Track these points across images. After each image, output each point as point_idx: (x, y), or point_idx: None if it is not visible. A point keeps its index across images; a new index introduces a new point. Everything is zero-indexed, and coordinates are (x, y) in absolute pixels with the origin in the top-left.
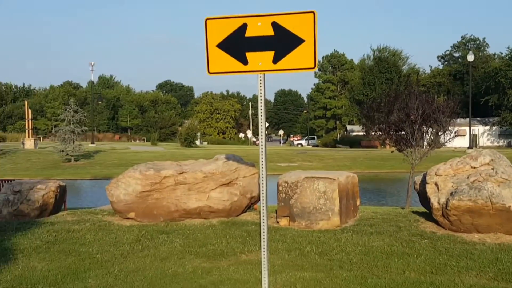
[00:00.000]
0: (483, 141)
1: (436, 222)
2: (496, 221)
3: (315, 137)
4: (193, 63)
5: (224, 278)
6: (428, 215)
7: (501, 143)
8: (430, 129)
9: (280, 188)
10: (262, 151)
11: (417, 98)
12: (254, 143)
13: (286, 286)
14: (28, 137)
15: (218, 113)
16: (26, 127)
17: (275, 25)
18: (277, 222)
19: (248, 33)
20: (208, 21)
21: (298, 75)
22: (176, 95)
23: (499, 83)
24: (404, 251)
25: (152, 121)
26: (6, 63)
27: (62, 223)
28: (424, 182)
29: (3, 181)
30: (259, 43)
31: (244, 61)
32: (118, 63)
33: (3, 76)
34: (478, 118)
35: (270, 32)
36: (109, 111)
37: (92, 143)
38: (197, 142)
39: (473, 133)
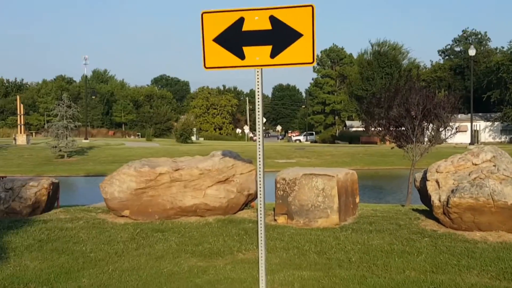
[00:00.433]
0: (484, 137)
1: (437, 220)
2: (498, 219)
3: (314, 133)
4: (189, 57)
5: (221, 277)
6: (429, 213)
7: (503, 139)
8: (431, 125)
9: (278, 185)
10: (259, 147)
11: (417, 93)
12: (251, 139)
13: (284, 285)
14: (20, 132)
15: (215, 108)
16: (18, 122)
17: (272, 19)
18: (275, 220)
19: (245, 27)
20: (204, 14)
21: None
22: (172, 90)
23: (501, 78)
24: (404, 250)
25: (147, 116)
26: None
27: (55, 221)
28: (424, 179)
29: None
30: (257, 37)
31: (241, 56)
32: (112, 57)
33: None
34: (480, 114)
35: (267, 26)
36: (103, 106)
37: (86, 139)
38: (193, 138)
39: (475, 129)
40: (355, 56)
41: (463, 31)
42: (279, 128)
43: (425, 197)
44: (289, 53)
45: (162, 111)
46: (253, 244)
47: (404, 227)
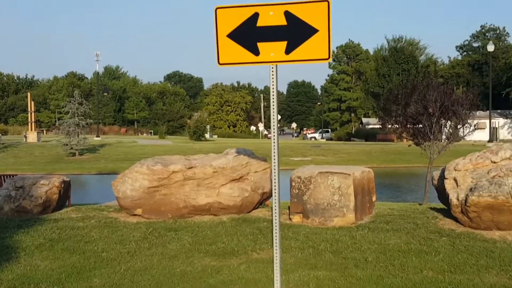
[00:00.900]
0: (503, 134)
1: (455, 219)
2: None
3: (329, 130)
4: (203, 53)
5: (235, 277)
6: (447, 212)
7: None
8: (449, 122)
9: (293, 184)
10: (274, 145)
11: (435, 90)
12: (266, 136)
13: (299, 285)
14: (31, 130)
15: (229, 105)
16: (29, 119)
17: (287, 14)
18: (290, 219)
19: (260, 23)
20: (218, 10)
21: (311, 66)
22: (185, 87)
23: None
24: (421, 249)
25: (159, 113)
26: (8, 53)
27: (66, 220)
28: (442, 177)
29: (5, 176)
30: (271, 33)
31: (256, 52)
32: (124, 53)
33: (5, 67)
34: (499, 111)
35: (282, 21)
36: (115, 103)
37: (98, 136)
38: (207, 136)
39: (493, 126)
40: (371, 52)
41: (481, 26)
42: (294, 125)
43: (443, 195)
44: (305, 49)
45: (175, 108)
46: (267, 244)
47: (421, 226)
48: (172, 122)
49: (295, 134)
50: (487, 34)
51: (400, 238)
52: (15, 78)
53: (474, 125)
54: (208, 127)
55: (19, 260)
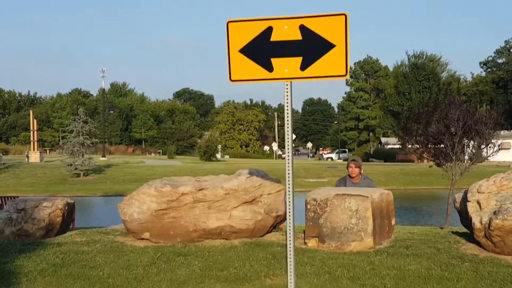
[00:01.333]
0: None
1: (478, 243)
2: None
3: (347, 150)
4: (214, 69)
5: None
6: (469, 236)
7: None
8: (472, 142)
9: (308, 206)
10: (288, 166)
11: (457, 108)
12: (280, 156)
13: None
14: (33, 149)
15: (241, 124)
16: (31, 138)
17: (303, 28)
18: (305, 243)
19: (274, 37)
20: (230, 24)
21: (328, 83)
22: (195, 104)
23: None
24: (443, 275)
25: (168, 132)
26: (10, 69)
27: (70, 244)
28: (465, 199)
29: (6, 198)
30: (286, 48)
31: (269, 68)
32: (131, 70)
33: (7, 83)
34: None
35: (297, 36)
36: (122, 121)
37: (103, 156)
38: (218, 156)
39: None
40: (390, 68)
41: (505, 41)
42: (309, 145)
43: (465, 219)
44: (321, 65)
45: (185, 127)
46: (281, 269)
47: (443, 251)
48: (181, 141)
49: (311, 155)
50: (511, 49)
51: (420, 264)
52: (17, 95)
53: (498, 145)
54: (219, 147)
55: (21, 286)
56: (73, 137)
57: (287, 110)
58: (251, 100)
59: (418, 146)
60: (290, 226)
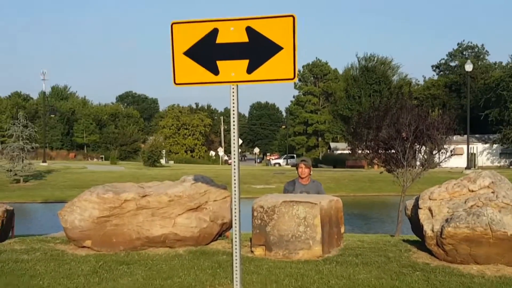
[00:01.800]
0: (482, 160)
1: (430, 252)
2: (496, 251)
3: (295, 155)
4: (158, 72)
5: None
6: (421, 244)
7: (502, 163)
8: (424, 148)
9: (255, 214)
10: (234, 172)
11: (409, 113)
12: (226, 162)
13: None
14: None
15: (186, 129)
16: None
17: (249, 30)
18: (252, 251)
19: (220, 39)
20: (174, 25)
21: (275, 86)
22: (139, 108)
23: (500, 95)
24: (394, 285)
25: (111, 137)
26: None
27: (9, 252)
28: (416, 207)
29: None
30: (232, 51)
31: (215, 71)
32: (73, 72)
33: None
34: (477, 135)
35: (244, 38)
36: (63, 125)
37: (44, 161)
38: (162, 161)
39: (471, 151)
40: (340, 71)
41: (458, 44)
42: (256, 150)
43: (416, 226)
44: (268, 68)
45: (128, 131)
46: (227, 278)
47: (393, 259)
48: (124, 146)
49: (258, 160)
50: (464, 52)
51: (370, 273)
52: None
53: (451, 151)
54: (163, 152)
55: None
56: (12, 142)
57: (233, 114)
58: (196, 104)
59: (368, 152)
60: (236, 234)
